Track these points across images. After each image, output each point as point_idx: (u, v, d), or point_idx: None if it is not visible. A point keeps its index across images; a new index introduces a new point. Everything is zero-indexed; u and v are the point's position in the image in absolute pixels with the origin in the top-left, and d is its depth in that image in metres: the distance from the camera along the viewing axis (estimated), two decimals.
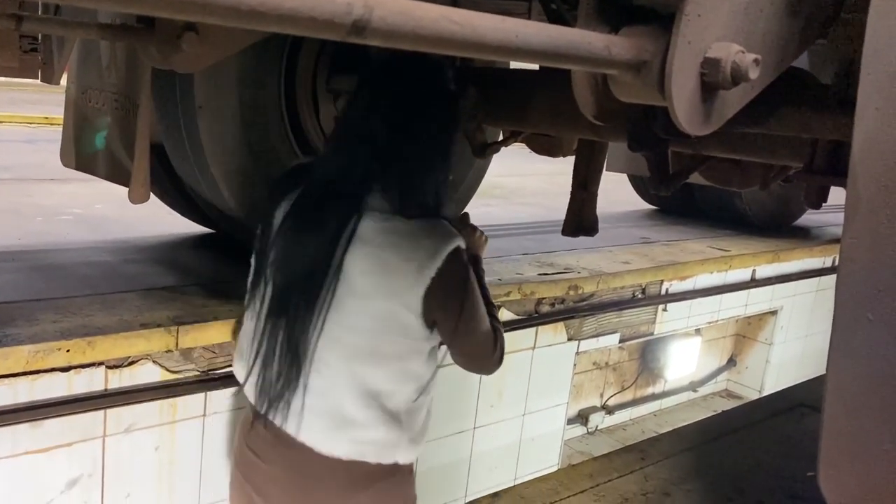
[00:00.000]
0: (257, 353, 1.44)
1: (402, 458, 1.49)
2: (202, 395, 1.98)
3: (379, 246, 1.39)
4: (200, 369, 1.98)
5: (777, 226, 4.50)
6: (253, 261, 1.53)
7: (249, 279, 1.53)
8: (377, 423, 1.43)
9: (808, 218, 4.81)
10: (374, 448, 1.44)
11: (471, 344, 1.49)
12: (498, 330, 1.54)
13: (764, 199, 4.40)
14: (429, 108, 1.46)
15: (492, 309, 1.56)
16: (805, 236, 4.55)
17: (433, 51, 0.83)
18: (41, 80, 2.16)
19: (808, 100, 1.76)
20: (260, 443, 1.48)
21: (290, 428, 1.43)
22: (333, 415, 1.42)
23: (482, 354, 1.52)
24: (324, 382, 1.42)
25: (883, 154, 1.03)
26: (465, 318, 1.46)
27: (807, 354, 4.45)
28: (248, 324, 1.51)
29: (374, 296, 1.39)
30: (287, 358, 1.41)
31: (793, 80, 1.86)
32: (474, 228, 1.70)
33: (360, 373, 1.42)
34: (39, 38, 2.06)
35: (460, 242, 1.42)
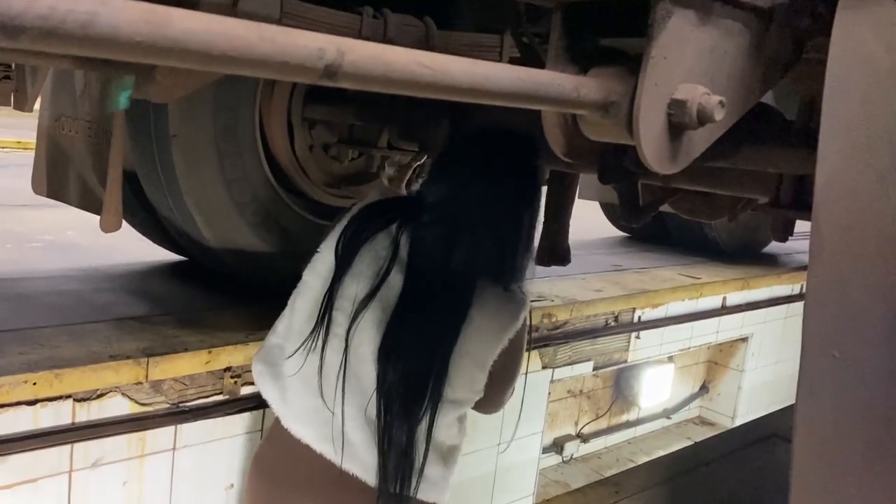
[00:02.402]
0: (387, 438, 1.48)
1: None
2: (172, 427, 1.95)
3: (486, 315, 1.50)
4: (170, 402, 1.95)
5: (746, 253, 4.57)
6: (325, 299, 1.54)
7: (322, 308, 1.54)
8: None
9: (777, 245, 4.89)
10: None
11: (501, 393, 1.63)
12: None
13: (733, 228, 4.47)
14: (520, 184, 1.56)
15: None
16: (773, 263, 4.62)
17: (404, 93, 0.84)
18: (14, 108, 2.14)
19: (773, 136, 1.81)
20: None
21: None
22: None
23: (499, 404, 1.68)
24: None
25: (844, 196, 1.06)
26: (511, 373, 1.61)
27: (778, 380, 4.50)
28: (322, 359, 1.54)
29: (467, 356, 1.49)
30: (418, 452, 1.49)
31: (758, 116, 1.91)
32: None
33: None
34: (13, 66, 2.04)
35: (526, 312, 1.55)
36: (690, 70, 1.09)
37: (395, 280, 1.49)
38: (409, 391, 1.47)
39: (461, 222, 1.51)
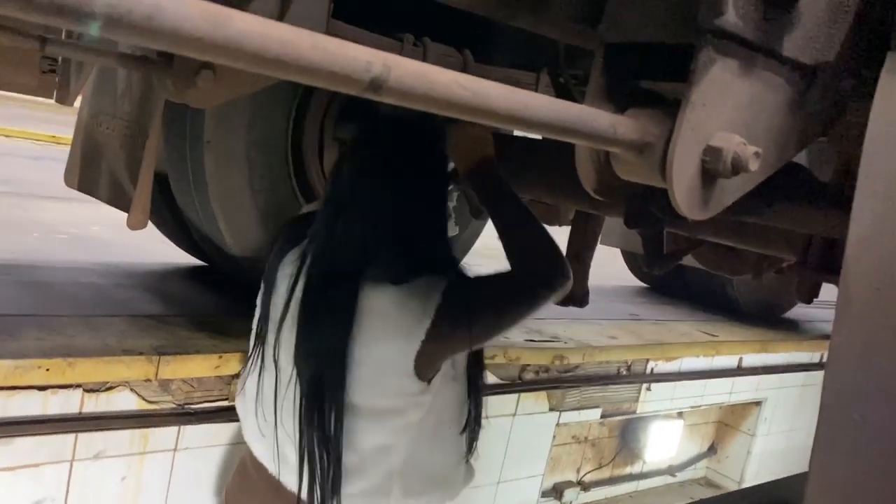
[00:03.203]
0: (301, 448, 1.47)
1: None
2: (175, 428, 1.95)
3: (377, 316, 1.42)
4: (177, 402, 1.96)
5: (766, 316, 4.51)
6: (257, 315, 1.58)
7: (253, 337, 1.59)
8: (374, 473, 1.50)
9: (799, 311, 4.82)
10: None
11: (502, 311, 1.46)
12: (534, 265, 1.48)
13: (755, 288, 4.42)
14: (416, 168, 1.48)
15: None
16: (794, 329, 4.56)
17: (443, 113, 0.85)
18: (56, 101, 2.19)
19: (806, 195, 1.80)
20: None
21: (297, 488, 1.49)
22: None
23: (527, 308, 1.47)
24: (357, 459, 1.48)
25: (877, 256, 1.05)
26: (485, 314, 1.45)
27: (790, 449, 4.40)
28: (258, 388, 1.57)
29: (372, 363, 1.43)
30: (331, 458, 1.45)
31: (791, 175, 1.90)
32: (474, 135, 1.63)
33: (363, 431, 1.46)
34: (59, 60, 2.09)
35: (444, 289, 1.42)
36: (728, 119, 1.09)
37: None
38: (308, 400, 1.45)
39: (343, 222, 1.46)
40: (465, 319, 1.43)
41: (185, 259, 2.90)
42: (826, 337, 4.42)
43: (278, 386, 1.52)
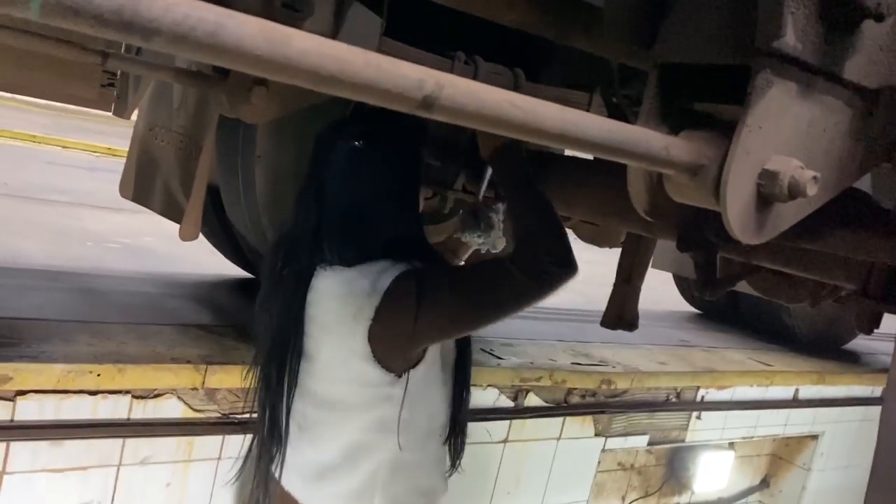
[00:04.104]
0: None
1: None
2: (220, 437, 1.97)
3: (329, 297, 1.43)
4: (222, 411, 1.98)
5: (825, 347, 4.35)
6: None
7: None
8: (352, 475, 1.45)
9: (860, 343, 4.65)
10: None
11: (486, 306, 1.39)
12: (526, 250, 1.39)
13: (813, 317, 4.26)
14: (373, 165, 1.49)
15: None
16: (854, 361, 4.39)
17: (494, 131, 0.84)
18: (113, 114, 2.25)
19: (868, 222, 1.73)
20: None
21: (281, 480, 1.50)
22: (313, 466, 1.47)
23: (517, 304, 1.37)
24: (303, 435, 1.48)
25: None
26: (445, 305, 1.39)
27: (847, 487, 4.22)
28: None
29: (330, 346, 1.44)
30: (267, 420, 1.50)
31: (852, 201, 1.84)
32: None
33: (336, 425, 1.45)
34: (118, 74, 2.16)
35: (401, 272, 1.40)
36: (786, 142, 1.06)
37: None
38: (263, 362, 1.50)
39: (302, 205, 1.51)
40: (414, 301, 1.37)
41: (234, 271, 2.94)
42: (886, 370, 4.24)
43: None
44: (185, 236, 1.94)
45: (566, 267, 1.36)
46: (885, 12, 0.97)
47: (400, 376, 1.41)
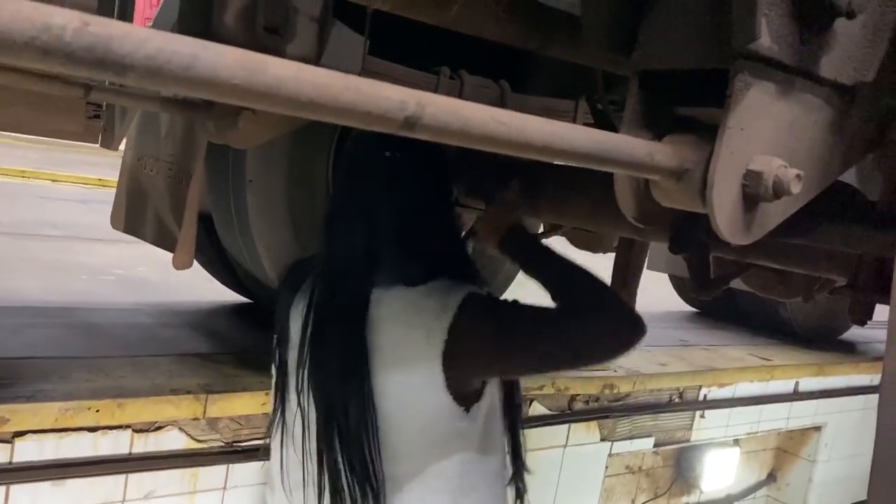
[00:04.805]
0: (319, 488, 1.30)
1: None
2: (224, 466, 1.96)
3: (393, 323, 1.28)
4: (225, 440, 1.97)
5: (822, 338, 4.37)
6: (274, 373, 1.44)
7: (273, 398, 1.44)
8: None
9: (856, 333, 4.67)
10: None
11: (560, 359, 1.29)
12: (595, 301, 1.30)
13: (809, 310, 4.29)
14: (415, 172, 1.38)
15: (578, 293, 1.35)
16: (851, 351, 4.41)
17: (480, 147, 0.85)
18: (101, 146, 2.25)
19: (854, 215, 1.75)
20: None
21: None
22: None
23: (593, 342, 1.26)
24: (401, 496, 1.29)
25: None
26: (521, 344, 1.26)
27: (854, 475, 4.23)
28: (282, 453, 1.41)
29: (398, 380, 1.27)
30: (358, 485, 1.26)
31: (839, 195, 1.85)
32: (493, 215, 1.61)
33: (410, 477, 1.29)
34: (103, 106, 2.16)
35: (470, 290, 1.30)
36: (768, 142, 1.07)
37: None
38: (326, 423, 1.28)
39: (342, 231, 1.36)
40: (492, 319, 1.27)
41: (231, 297, 2.94)
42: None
43: (307, 436, 1.33)
44: (179, 265, 1.94)
45: (643, 327, 1.28)
46: (856, 10, 0.98)
47: (468, 411, 1.29)
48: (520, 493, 1.46)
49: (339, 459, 1.27)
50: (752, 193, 1.05)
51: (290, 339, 1.39)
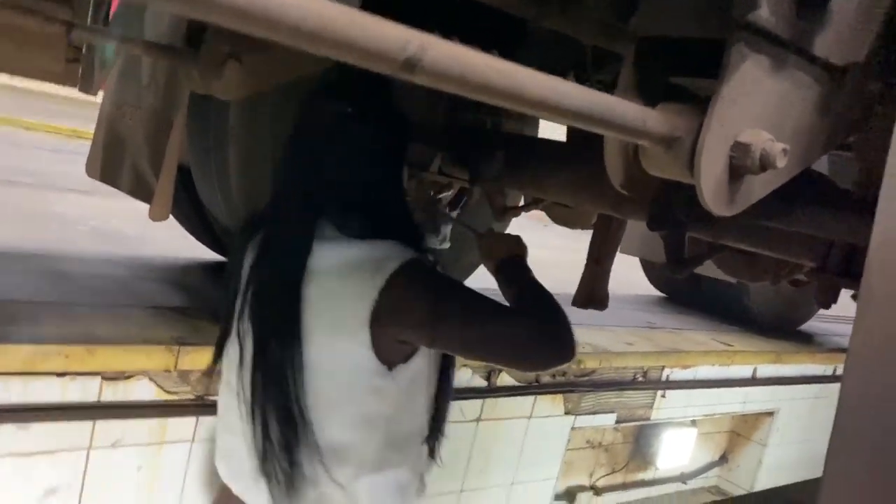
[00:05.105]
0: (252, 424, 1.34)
1: None
2: (193, 419, 1.96)
3: (327, 275, 1.29)
4: (196, 393, 1.96)
5: (781, 328, 4.49)
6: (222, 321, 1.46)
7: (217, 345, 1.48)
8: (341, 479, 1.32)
9: (812, 325, 4.81)
10: None
11: (490, 346, 1.31)
12: (542, 317, 1.33)
13: (771, 300, 4.42)
14: (367, 128, 1.36)
15: (536, 304, 1.40)
16: (808, 342, 4.54)
17: (475, 96, 0.85)
18: (79, 90, 2.21)
19: (829, 201, 1.79)
20: None
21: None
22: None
23: (519, 356, 1.32)
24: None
25: None
26: (452, 322, 1.29)
27: (801, 459, 4.37)
28: (226, 397, 1.45)
29: (324, 329, 1.29)
30: (282, 420, 1.30)
31: (812, 181, 1.89)
32: (504, 236, 1.69)
33: (324, 423, 1.31)
34: (84, 49, 2.12)
35: (413, 257, 1.30)
36: (757, 116, 1.09)
37: None
38: (257, 356, 1.32)
39: (289, 176, 1.38)
40: (430, 295, 1.28)
41: (207, 254, 2.92)
42: (839, 350, 4.42)
43: (242, 375, 1.37)
44: (155, 217, 1.91)
45: (568, 356, 1.31)
46: None
47: (391, 370, 1.30)
48: (432, 452, 1.48)
49: (264, 393, 1.31)
50: (739, 165, 1.07)
51: (239, 289, 1.41)
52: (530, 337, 1.30)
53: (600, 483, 3.74)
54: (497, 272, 1.59)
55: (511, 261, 1.59)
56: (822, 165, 2.70)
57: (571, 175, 2.12)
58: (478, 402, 2.56)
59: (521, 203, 2.50)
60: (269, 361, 1.31)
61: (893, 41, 1.13)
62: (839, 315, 4.89)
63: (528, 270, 1.56)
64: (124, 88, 2.15)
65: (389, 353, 1.30)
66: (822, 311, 4.79)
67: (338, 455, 1.32)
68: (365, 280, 1.27)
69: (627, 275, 4.38)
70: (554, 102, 0.89)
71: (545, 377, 2.78)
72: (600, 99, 0.95)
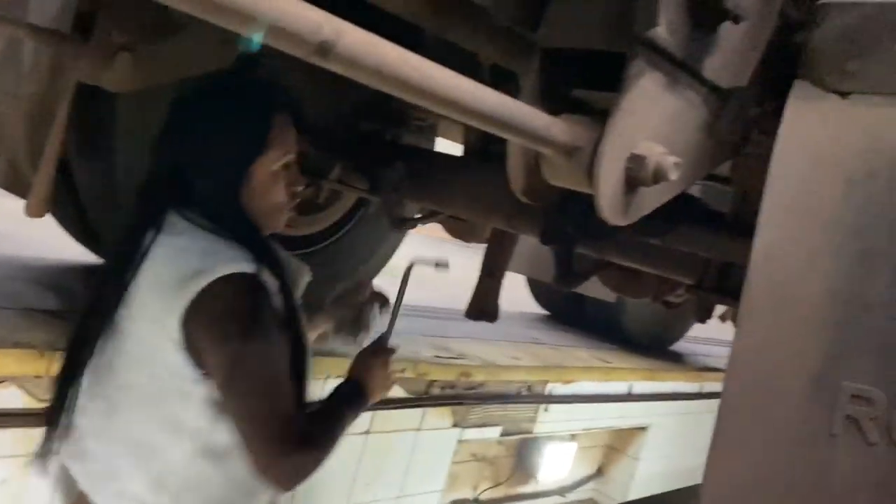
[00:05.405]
0: None
1: None
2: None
3: (159, 261, 1.26)
4: None
5: (654, 347, 4.76)
6: None
7: None
8: (142, 482, 1.26)
9: (682, 345, 5.10)
10: None
11: (241, 416, 1.24)
12: (309, 440, 1.25)
13: (646, 320, 4.68)
14: (224, 123, 1.34)
15: (325, 421, 1.33)
16: (679, 360, 4.80)
17: (387, 90, 0.85)
18: None
19: (708, 222, 1.91)
20: None
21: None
22: (105, 462, 1.29)
23: (256, 444, 1.23)
24: (94, 423, 1.30)
25: (777, 269, 1.13)
26: (233, 373, 1.22)
27: (670, 472, 4.60)
28: None
29: (141, 317, 1.25)
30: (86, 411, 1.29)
31: (690, 203, 2.02)
32: (384, 371, 1.50)
33: (126, 415, 1.27)
34: None
35: (236, 271, 1.23)
36: (652, 130, 1.15)
37: None
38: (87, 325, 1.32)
39: (163, 158, 1.38)
40: (240, 326, 1.22)
41: (85, 257, 2.75)
42: (706, 369, 4.71)
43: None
44: (33, 213, 1.79)
45: (297, 480, 1.27)
46: (742, 16, 1.08)
47: (207, 377, 1.24)
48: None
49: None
50: (635, 176, 1.13)
51: None
52: (276, 448, 1.23)
53: (484, 496, 3.78)
54: (354, 396, 1.45)
55: (359, 384, 1.45)
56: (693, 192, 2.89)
57: (468, 189, 2.16)
58: (367, 414, 2.54)
59: (418, 215, 2.52)
60: (91, 343, 1.29)
61: (773, 69, 1.23)
62: (702, 337, 5.23)
63: (357, 403, 1.43)
64: (2, 75, 2.02)
65: (203, 360, 1.24)
66: (688, 333, 5.11)
67: (143, 456, 1.27)
68: (181, 283, 1.22)
69: (514, 292, 4.50)
70: (464, 102, 0.91)
71: (435, 390, 2.80)
72: (509, 103, 0.98)
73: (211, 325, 1.22)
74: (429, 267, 1.64)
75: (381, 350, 1.53)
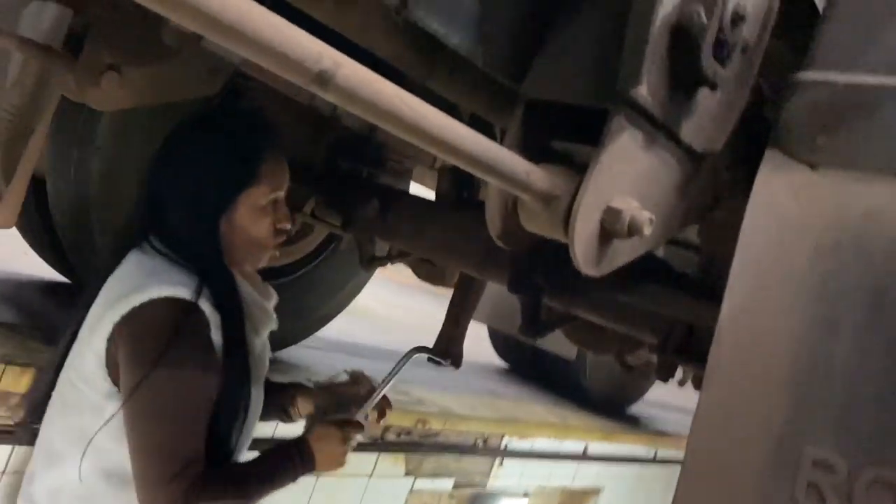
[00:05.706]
0: None
1: None
2: (9, 448, 1.78)
3: (115, 278, 1.32)
4: (15, 419, 1.79)
5: (611, 408, 4.76)
6: None
7: None
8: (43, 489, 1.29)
9: (637, 409, 5.12)
10: None
11: (132, 444, 1.22)
12: (204, 491, 1.20)
13: (604, 381, 4.70)
14: (203, 157, 1.39)
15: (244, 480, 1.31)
16: (634, 423, 4.81)
17: (381, 124, 0.87)
18: None
19: (675, 282, 1.95)
20: None
21: None
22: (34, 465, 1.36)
23: (139, 478, 1.20)
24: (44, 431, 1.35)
25: (745, 328, 1.15)
26: (136, 396, 1.20)
27: None
28: None
29: (85, 331, 1.30)
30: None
31: (656, 264, 2.06)
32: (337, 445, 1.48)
33: (53, 421, 1.32)
34: None
35: (179, 294, 1.23)
36: (629, 185, 1.18)
37: None
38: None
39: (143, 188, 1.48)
40: (132, 374, 1.23)
41: (48, 273, 2.70)
42: (661, 433, 4.73)
43: None
44: (1, 223, 1.77)
45: None
46: (718, 83, 1.13)
47: (119, 392, 1.24)
48: None
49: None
50: (610, 228, 1.16)
51: None
52: (158, 489, 1.19)
53: None
54: (298, 439, 1.46)
55: (308, 450, 1.42)
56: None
57: (440, 233, 2.18)
58: None
59: (387, 254, 2.53)
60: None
61: (745, 135, 1.28)
62: (659, 401, 5.27)
63: (296, 468, 1.40)
64: None
65: (118, 377, 1.25)
66: (644, 397, 5.14)
67: (51, 463, 1.28)
68: (121, 296, 1.25)
69: (476, 344, 4.49)
70: (451, 142, 0.94)
71: (391, 436, 2.77)
72: (493, 148, 1.01)
73: (129, 343, 1.22)
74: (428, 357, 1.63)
75: (347, 423, 1.51)
